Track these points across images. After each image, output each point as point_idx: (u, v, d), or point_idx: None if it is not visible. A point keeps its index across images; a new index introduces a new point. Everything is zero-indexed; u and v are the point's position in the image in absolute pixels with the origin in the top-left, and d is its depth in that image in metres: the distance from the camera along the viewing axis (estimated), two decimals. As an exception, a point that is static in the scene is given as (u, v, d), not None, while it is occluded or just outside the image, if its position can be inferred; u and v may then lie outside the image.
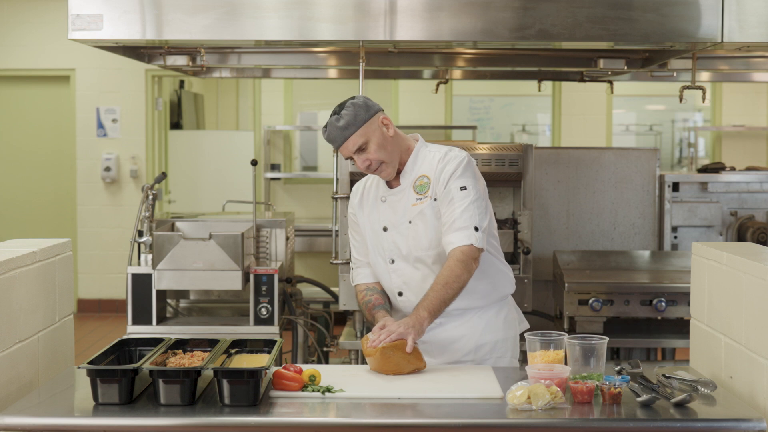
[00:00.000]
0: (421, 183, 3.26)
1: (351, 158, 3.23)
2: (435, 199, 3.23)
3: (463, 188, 3.18)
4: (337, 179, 4.75)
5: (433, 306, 3.12)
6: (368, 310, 3.34)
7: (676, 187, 5.48)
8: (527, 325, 3.47)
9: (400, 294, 3.31)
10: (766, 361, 2.75)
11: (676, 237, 5.45)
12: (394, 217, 3.28)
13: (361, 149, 3.18)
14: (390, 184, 3.32)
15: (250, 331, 4.64)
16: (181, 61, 4.86)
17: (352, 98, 3.22)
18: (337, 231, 4.86)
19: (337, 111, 3.19)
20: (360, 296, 3.41)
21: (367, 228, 3.36)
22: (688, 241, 5.41)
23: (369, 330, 3.67)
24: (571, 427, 2.62)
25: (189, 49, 4.80)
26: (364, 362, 5.05)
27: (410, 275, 3.28)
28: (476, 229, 3.15)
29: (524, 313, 4.82)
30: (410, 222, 3.26)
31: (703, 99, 4.92)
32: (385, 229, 3.30)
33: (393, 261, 3.30)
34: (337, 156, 4.73)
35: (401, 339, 3.00)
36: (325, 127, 3.20)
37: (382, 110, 3.24)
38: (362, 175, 4.76)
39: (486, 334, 3.31)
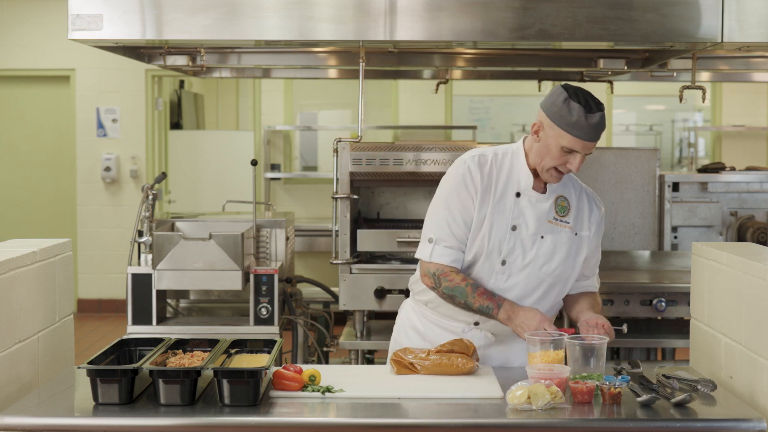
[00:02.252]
0: (562, 205, 3.17)
1: (571, 150, 3.01)
2: (576, 234, 3.18)
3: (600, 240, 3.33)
4: (337, 179, 4.75)
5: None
6: (481, 294, 3.09)
7: (676, 187, 5.48)
8: None
9: None
10: (766, 361, 2.75)
11: (676, 237, 5.45)
12: (528, 221, 3.11)
13: (586, 154, 3.07)
14: (534, 184, 3.15)
15: (250, 331, 4.64)
16: (181, 61, 4.86)
17: (599, 103, 3.03)
18: (337, 231, 4.86)
19: (598, 109, 3.00)
20: (456, 279, 3.10)
21: (483, 217, 3.10)
22: (688, 241, 5.41)
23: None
24: (571, 427, 2.62)
25: (189, 49, 4.80)
26: (364, 362, 5.05)
27: (516, 285, 3.13)
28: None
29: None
30: (542, 237, 3.13)
31: (703, 99, 4.92)
32: (514, 228, 3.11)
33: (504, 263, 3.12)
34: (337, 156, 4.73)
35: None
36: (592, 115, 2.98)
37: None
38: (362, 175, 4.77)
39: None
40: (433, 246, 3.15)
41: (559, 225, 3.16)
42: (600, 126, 3.01)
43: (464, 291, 3.10)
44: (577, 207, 3.20)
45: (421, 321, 3.30)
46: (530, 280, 3.15)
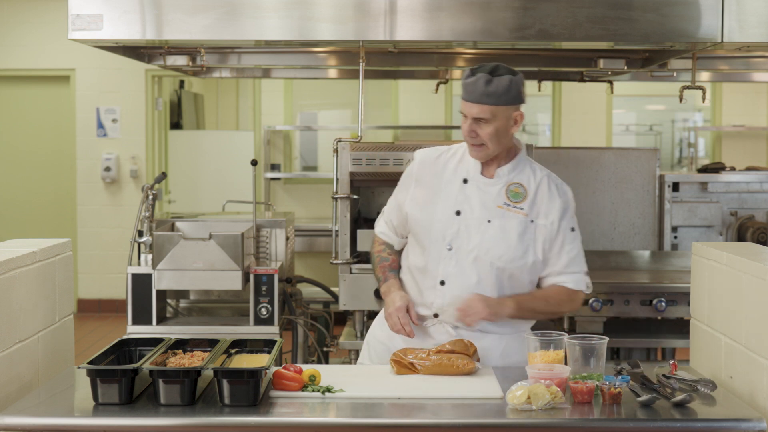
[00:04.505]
0: (516, 191, 3.17)
1: (462, 114, 3.10)
2: (533, 221, 3.16)
3: (573, 229, 3.22)
4: (337, 179, 4.75)
5: (524, 305, 3.14)
6: (380, 267, 3.31)
7: (676, 187, 5.48)
8: None
9: (442, 283, 3.17)
10: (766, 361, 2.75)
11: (676, 237, 5.45)
12: (474, 206, 3.15)
13: (479, 120, 3.07)
14: (482, 171, 3.19)
15: (250, 331, 4.64)
16: (181, 61, 4.86)
17: (514, 73, 3.09)
18: (337, 231, 4.86)
19: (495, 73, 3.05)
20: (377, 247, 3.37)
21: (424, 201, 3.20)
22: (688, 241, 5.41)
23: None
24: (571, 427, 2.62)
25: (189, 49, 4.80)
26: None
27: (464, 271, 3.15)
28: (585, 273, 3.24)
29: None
30: (489, 221, 3.14)
31: (703, 99, 4.92)
32: (458, 213, 3.15)
33: (450, 249, 3.15)
34: (337, 156, 4.73)
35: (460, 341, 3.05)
36: (471, 74, 3.05)
37: (524, 103, 3.15)
38: (362, 175, 4.77)
39: (505, 358, 3.22)
40: (380, 218, 3.43)
41: (511, 210, 3.15)
42: (475, 85, 3.04)
43: (373, 259, 3.38)
44: (535, 194, 3.18)
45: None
46: (479, 266, 3.14)
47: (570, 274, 3.21)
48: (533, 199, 3.17)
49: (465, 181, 3.19)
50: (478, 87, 3.05)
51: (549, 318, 3.28)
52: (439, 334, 3.20)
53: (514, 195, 3.17)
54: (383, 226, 3.40)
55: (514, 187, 3.18)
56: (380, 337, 3.35)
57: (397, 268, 3.32)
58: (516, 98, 3.10)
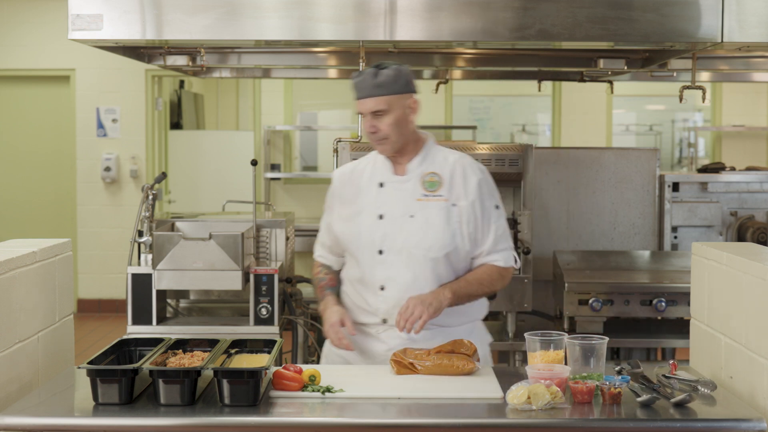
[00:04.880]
0: (432, 180, 3.22)
1: (361, 114, 3.19)
2: (454, 205, 3.19)
3: (497, 207, 3.26)
4: (337, 179, 4.74)
5: (460, 292, 3.16)
6: (319, 288, 3.40)
7: (676, 187, 5.48)
8: (491, 339, 3.47)
9: (382, 288, 3.21)
10: (766, 361, 2.75)
11: (676, 237, 5.45)
12: (394, 207, 3.21)
13: (377, 114, 3.15)
14: (394, 170, 3.26)
15: (250, 331, 4.64)
16: (181, 61, 4.86)
17: (400, 65, 3.19)
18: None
19: (381, 66, 3.15)
20: (315, 270, 3.46)
21: (349, 214, 3.26)
22: (688, 241, 5.41)
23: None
24: (571, 427, 2.62)
25: (189, 49, 4.80)
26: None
27: (399, 271, 3.19)
28: (513, 249, 3.29)
29: (524, 313, 4.87)
30: (412, 216, 3.19)
31: (703, 99, 4.92)
32: (381, 217, 3.20)
33: (381, 252, 3.20)
34: (337, 156, 4.73)
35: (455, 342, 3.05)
36: (359, 74, 3.16)
37: (416, 93, 3.22)
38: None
39: None
40: (316, 243, 3.50)
41: (431, 200, 3.20)
42: (364, 82, 3.14)
43: (313, 282, 3.47)
44: (451, 179, 3.22)
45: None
46: (413, 262, 3.17)
47: (499, 252, 3.25)
48: (450, 183, 3.22)
49: (381, 185, 3.25)
50: (366, 82, 3.14)
51: (485, 296, 3.31)
52: (391, 339, 3.22)
53: (430, 185, 3.22)
54: (320, 250, 3.47)
55: (429, 177, 3.23)
56: (336, 349, 3.35)
57: (335, 286, 3.37)
58: (406, 87, 3.19)
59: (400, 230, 3.19)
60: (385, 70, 3.14)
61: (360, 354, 3.27)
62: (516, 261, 3.30)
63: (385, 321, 3.23)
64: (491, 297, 3.43)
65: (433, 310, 3.10)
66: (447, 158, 3.26)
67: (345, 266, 3.38)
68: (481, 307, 3.38)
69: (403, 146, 3.23)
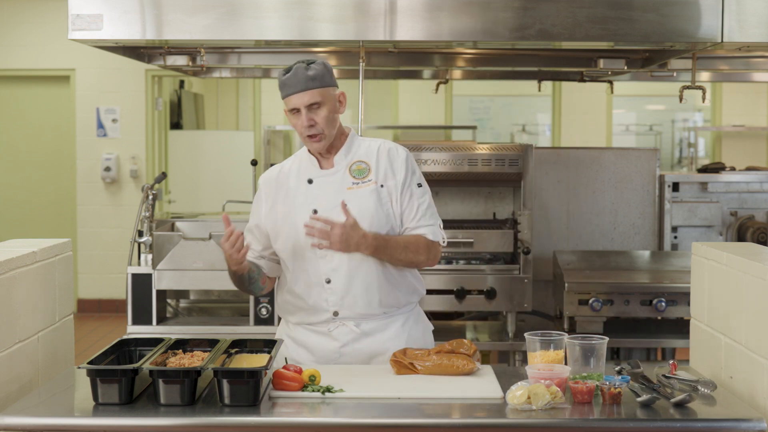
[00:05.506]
0: (359, 168, 3.24)
1: (295, 110, 3.16)
2: (382, 186, 3.22)
3: (420, 185, 3.28)
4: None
5: (382, 245, 3.15)
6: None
7: (676, 187, 5.48)
8: (432, 327, 3.45)
9: (328, 281, 3.20)
10: (766, 361, 2.75)
11: (676, 237, 5.45)
12: (326, 199, 3.22)
13: (312, 107, 3.15)
14: (321, 165, 3.27)
15: (250, 331, 4.64)
16: (181, 61, 4.86)
17: (323, 60, 3.22)
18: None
19: (308, 62, 3.17)
20: None
21: (283, 215, 3.25)
22: (688, 241, 5.41)
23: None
24: (571, 427, 2.62)
25: (189, 49, 4.80)
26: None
27: (341, 260, 3.18)
28: (440, 226, 3.29)
29: (524, 313, 4.87)
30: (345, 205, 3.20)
31: (703, 99, 4.92)
32: (315, 212, 3.20)
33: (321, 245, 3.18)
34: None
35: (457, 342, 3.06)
36: (287, 70, 3.15)
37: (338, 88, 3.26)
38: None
39: (410, 343, 3.25)
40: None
41: (362, 186, 3.22)
42: (296, 76, 3.13)
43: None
44: (377, 162, 3.25)
45: (293, 328, 3.34)
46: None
47: (426, 227, 3.26)
48: (376, 167, 3.25)
49: (310, 181, 3.26)
50: (300, 76, 3.14)
51: (407, 267, 3.29)
52: (342, 334, 3.23)
53: (358, 172, 3.25)
54: (251, 255, 3.33)
55: (356, 165, 3.26)
56: (286, 353, 3.31)
57: (255, 268, 3.30)
58: (333, 80, 3.22)
59: (336, 220, 3.16)
60: (314, 64, 3.16)
61: (311, 353, 3.25)
62: (443, 238, 3.29)
63: (336, 314, 3.22)
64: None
65: (347, 247, 3.09)
66: (370, 145, 3.30)
67: (280, 284, 3.35)
68: (420, 281, 3.37)
69: (331, 143, 3.25)
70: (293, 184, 3.28)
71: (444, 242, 3.30)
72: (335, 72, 6.20)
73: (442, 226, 3.30)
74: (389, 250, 3.19)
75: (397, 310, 3.27)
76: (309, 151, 3.29)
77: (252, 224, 3.35)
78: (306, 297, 3.25)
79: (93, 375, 2.67)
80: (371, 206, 3.20)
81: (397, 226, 3.24)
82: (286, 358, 3.22)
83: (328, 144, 3.23)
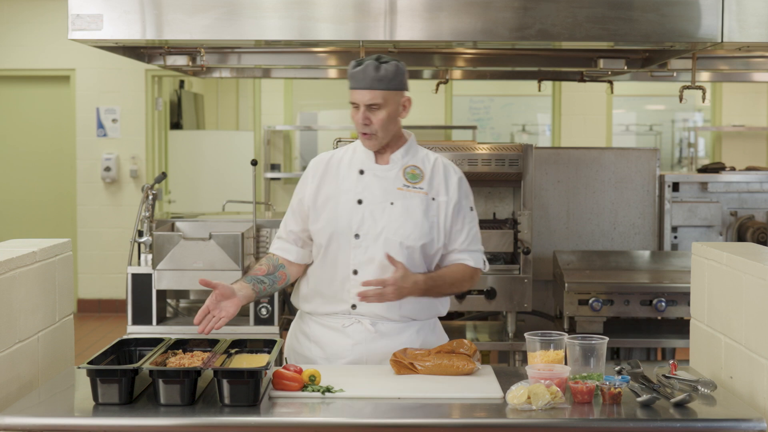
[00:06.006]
0: (413, 173, 3.24)
1: (354, 105, 3.17)
2: (434, 199, 3.22)
3: (472, 209, 3.30)
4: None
5: (431, 286, 3.17)
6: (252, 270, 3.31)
7: (676, 187, 5.48)
8: (447, 339, 3.44)
9: (355, 272, 3.19)
10: (766, 361, 2.75)
11: (676, 237, 5.45)
12: (374, 192, 3.21)
13: (372, 107, 3.14)
14: (376, 159, 3.26)
15: (250, 331, 4.64)
16: (181, 61, 4.86)
17: (399, 61, 3.19)
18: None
19: (381, 60, 3.15)
20: (263, 258, 3.35)
21: (325, 198, 3.24)
22: (688, 241, 5.41)
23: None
24: (571, 427, 2.62)
25: (189, 49, 4.80)
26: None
27: (374, 255, 3.18)
28: (483, 253, 3.32)
29: (524, 313, 4.87)
30: (392, 203, 3.20)
31: (703, 99, 4.92)
32: (359, 202, 3.20)
33: (358, 236, 3.18)
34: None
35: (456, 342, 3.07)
36: (359, 63, 3.14)
37: (408, 91, 3.24)
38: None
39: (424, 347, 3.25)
40: (275, 239, 3.40)
41: (411, 191, 3.22)
42: (365, 72, 3.13)
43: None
44: (432, 174, 3.25)
45: (306, 323, 3.34)
46: (389, 248, 3.16)
47: (471, 252, 3.28)
48: (430, 178, 3.25)
49: (361, 172, 3.25)
50: (368, 73, 3.13)
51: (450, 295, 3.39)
52: (356, 333, 3.22)
53: (412, 176, 3.24)
54: (279, 243, 3.35)
55: (411, 169, 3.25)
56: (298, 348, 3.35)
57: (262, 275, 3.26)
58: (402, 84, 3.20)
59: (379, 216, 3.19)
60: (386, 64, 3.15)
61: (323, 350, 3.25)
62: (485, 264, 3.32)
63: (354, 307, 3.21)
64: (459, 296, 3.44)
65: (399, 297, 3.11)
66: (428, 156, 3.31)
67: (307, 274, 3.33)
68: (446, 303, 3.39)
69: (388, 143, 3.25)
70: (343, 172, 3.27)
71: (486, 269, 3.33)
72: (335, 72, 6.26)
73: (483, 252, 3.33)
74: (437, 289, 3.22)
75: (414, 320, 3.27)
76: None
77: (295, 201, 3.34)
78: (329, 284, 3.24)
79: (93, 375, 2.67)
80: (418, 213, 3.20)
81: (438, 240, 3.22)
82: (286, 359, 3.22)
83: (379, 146, 3.22)
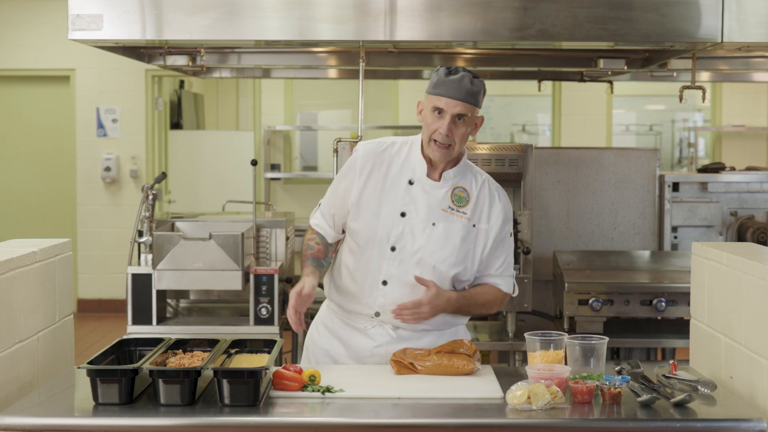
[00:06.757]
0: (460, 195, 3.19)
1: (440, 111, 3.10)
2: (474, 225, 3.19)
3: (511, 234, 3.28)
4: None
5: (461, 306, 3.19)
6: (305, 255, 3.27)
7: (676, 187, 5.48)
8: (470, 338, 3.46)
9: (384, 283, 3.17)
10: (766, 361, 2.75)
11: (676, 237, 5.45)
12: (419, 208, 3.16)
13: (456, 119, 3.10)
14: (429, 172, 3.20)
15: (250, 331, 4.64)
16: (181, 61, 4.86)
17: (482, 80, 3.14)
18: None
19: (473, 74, 3.10)
20: (308, 236, 3.32)
21: (368, 199, 3.18)
22: (688, 241, 5.41)
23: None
24: (571, 427, 2.62)
25: (189, 49, 4.80)
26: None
27: (406, 272, 3.14)
28: (513, 277, 3.32)
29: (524, 313, 4.87)
30: (434, 224, 3.16)
31: (703, 99, 4.92)
32: (403, 215, 3.15)
33: (394, 249, 3.16)
34: (337, 156, 4.73)
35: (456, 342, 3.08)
36: (455, 71, 3.08)
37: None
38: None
39: None
40: (316, 210, 3.36)
41: (455, 214, 3.18)
42: (461, 83, 3.07)
43: (303, 247, 3.31)
44: (477, 199, 3.21)
45: (330, 317, 3.35)
46: (422, 268, 3.14)
47: (504, 277, 3.28)
48: (475, 203, 3.21)
49: (411, 182, 3.20)
50: (464, 85, 3.08)
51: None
52: (379, 335, 3.22)
53: (458, 199, 3.20)
54: (319, 219, 3.32)
55: (459, 191, 3.21)
56: (319, 341, 3.35)
57: (320, 258, 3.27)
58: (482, 103, 3.17)
59: (419, 234, 3.15)
60: (477, 80, 3.10)
61: (345, 348, 3.25)
62: (515, 289, 3.32)
63: (377, 314, 3.20)
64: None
65: (433, 315, 3.13)
66: (476, 177, 3.25)
67: (342, 250, 3.29)
68: (462, 318, 3.37)
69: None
70: (393, 174, 3.20)
71: (515, 294, 3.33)
72: (335, 72, 6.26)
73: (514, 276, 3.32)
74: (467, 308, 3.23)
75: (435, 328, 3.26)
76: (422, 152, 3.21)
77: (341, 186, 3.26)
78: (357, 289, 3.22)
79: (93, 375, 2.67)
80: (457, 239, 3.17)
81: (471, 268, 3.21)
82: (284, 360, 3.22)
83: (448, 159, 3.17)
